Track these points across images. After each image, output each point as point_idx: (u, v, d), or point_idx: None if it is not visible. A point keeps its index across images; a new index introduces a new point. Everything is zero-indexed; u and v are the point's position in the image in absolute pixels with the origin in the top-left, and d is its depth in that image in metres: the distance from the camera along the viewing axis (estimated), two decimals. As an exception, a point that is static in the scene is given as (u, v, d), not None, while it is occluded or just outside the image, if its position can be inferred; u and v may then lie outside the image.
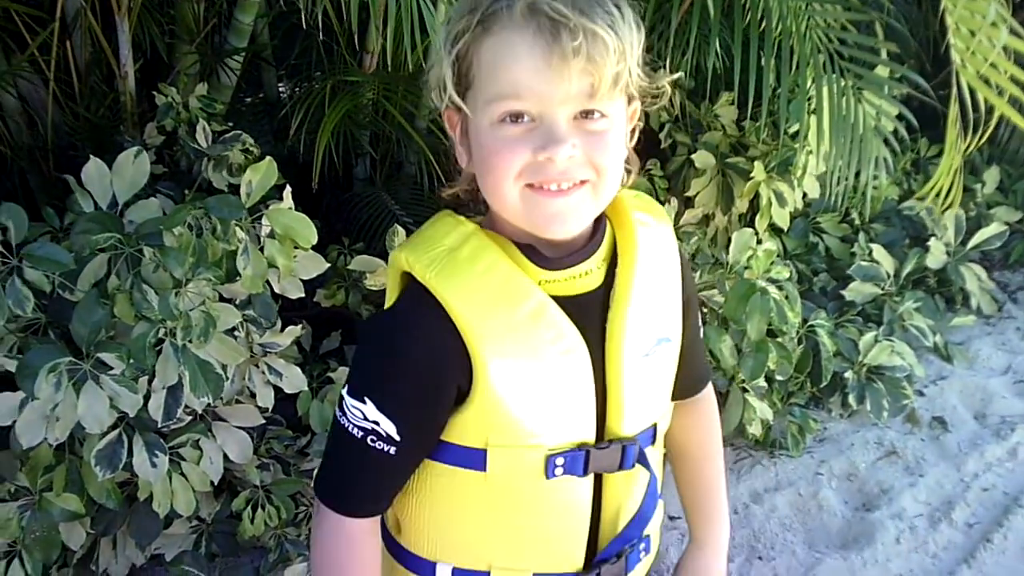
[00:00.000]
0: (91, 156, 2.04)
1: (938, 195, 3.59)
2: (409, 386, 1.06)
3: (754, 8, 2.25)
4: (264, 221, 2.17)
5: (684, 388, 1.30)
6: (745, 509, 2.84)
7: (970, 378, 3.49)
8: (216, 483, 2.24)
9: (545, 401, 1.06)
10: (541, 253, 1.07)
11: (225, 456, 2.24)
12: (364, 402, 1.07)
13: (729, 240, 3.15)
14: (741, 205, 3.20)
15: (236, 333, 2.18)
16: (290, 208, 2.20)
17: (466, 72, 1.02)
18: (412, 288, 1.07)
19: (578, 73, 0.96)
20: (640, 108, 1.10)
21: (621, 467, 1.12)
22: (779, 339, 2.78)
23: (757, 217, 3.17)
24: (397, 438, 1.06)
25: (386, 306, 1.14)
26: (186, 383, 2.00)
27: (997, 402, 3.37)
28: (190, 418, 2.21)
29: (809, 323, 3.00)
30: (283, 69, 3.42)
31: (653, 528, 1.24)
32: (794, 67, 2.51)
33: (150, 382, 2.07)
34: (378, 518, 1.15)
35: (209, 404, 2.17)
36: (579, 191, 1.02)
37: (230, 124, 2.72)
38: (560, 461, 1.08)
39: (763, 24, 2.32)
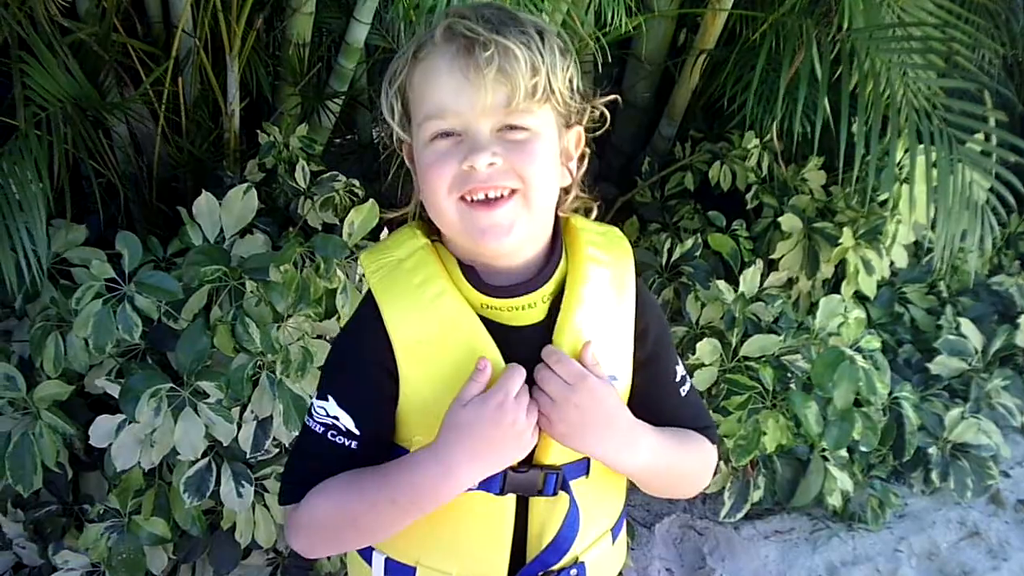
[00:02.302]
0: (202, 190, 2.11)
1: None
2: (360, 384, 1.14)
3: (860, 72, 2.25)
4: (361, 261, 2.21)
5: None
6: (821, 581, 2.77)
7: (1058, 461, 3.38)
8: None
9: None
10: (480, 277, 1.10)
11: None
12: (327, 399, 1.15)
13: (812, 305, 3.12)
14: (826, 270, 3.16)
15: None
16: (387, 250, 2.24)
17: (406, 103, 1.09)
18: (370, 293, 1.14)
19: (492, 84, 1.02)
20: (583, 133, 1.16)
21: (542, 492, 1.14)
22: (865, 409, 2.73)
23: (843, 284, 3.12)
24: (356, 432, 1.13)
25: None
26: (279, 416, 2.03)
27: (1086, 488, 3.25)
28: (276, 450, 2.24)
29: (894, 395, 2.93)
30: (379, 112, 3.50)
31: (593, 558, 1.22)
32: (901, 134, 2.50)
33: (241, 413, 2.11)
34: None
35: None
36: (509, 203, 1.06)
37: (323, 165, 2.79)
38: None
39: (870, 89, 2.32)
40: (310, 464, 1.17)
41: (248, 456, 2.12)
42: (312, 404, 1.18)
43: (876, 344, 2.76)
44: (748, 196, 3.29)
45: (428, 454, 1.08)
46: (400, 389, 1.12)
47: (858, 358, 2.65)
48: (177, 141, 2.90)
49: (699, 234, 3.19)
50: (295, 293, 1.94)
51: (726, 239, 3.19)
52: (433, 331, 1.11)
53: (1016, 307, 3.59)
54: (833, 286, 3.21)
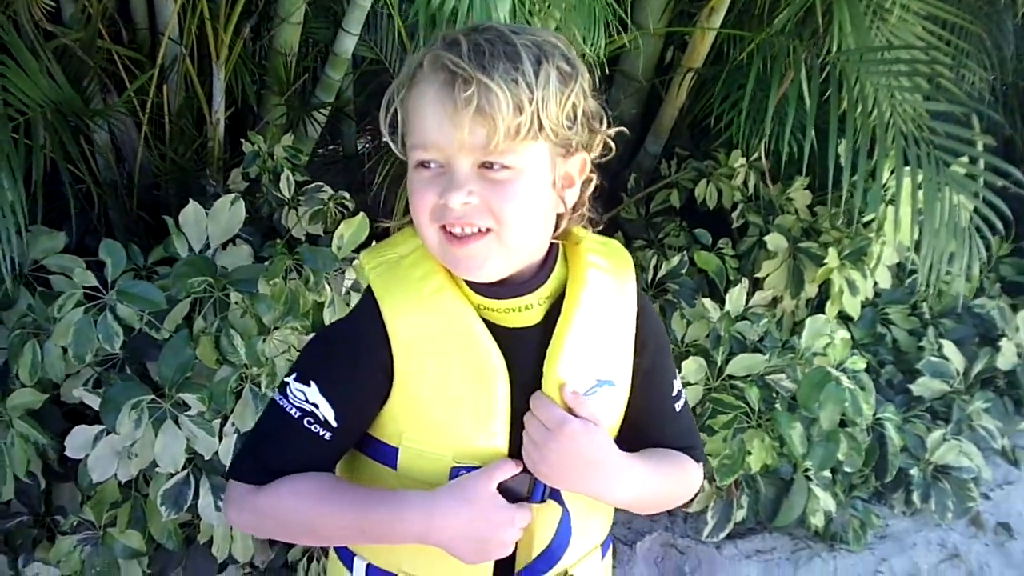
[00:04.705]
0: (188, 199, 2.08)
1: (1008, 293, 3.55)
2: (350, 379, 1.11)
3: (848, 93, 2.26)
4: (348, 274, 2.18)
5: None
6: (802, 603, 2.76)
7: (1037, 484, 3.39)
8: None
9: (454, 414, 1.11)
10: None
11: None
12: (309, 385, 1.12)
13: (795, 324, 3.12)
14: (811, 290, 3.17)
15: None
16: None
17: (402, 121, 1.08)
18: (369, 290, 1.13)
19: (471, 123, 1.00)
20: (588, 159, 1.12)
21: (530, 498, 1.12)
22: (850, 430, 2.73)
23: (827, 304, 3.12)
24: (334, 424, 1.11)
25: None
26: (261, 430, 2.00)
27: (1065, 511, 3.26)
28: (257, 465, 2.21)
29: (877, 416, 2.93)
30: (364, 124, 3.49)
31: (583, 572, 1.21)
32: (887, 156, 2.51)
33: (222, 425, 2.07)
34: None
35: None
36: (482, 240, 1.05)
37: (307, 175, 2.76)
38: (464, 474, 1.11)
39: (858, 111, 2.33)
40: (280, 449, 1.15)
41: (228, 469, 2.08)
42: (288, 383, 1.14)
43: (861, 365, 2.76)
44: (734, 215, 3.30)
45: (419, 510, 1.08)
46: (394, 386, 1.11)
47: (844, 379, 2.65)
48: (160, 149, 2.87)
49: (685, 252, 3.18)
50: (283, 306, 1.91)
51: (712, 257, 3.18)
52: (433, 325, 1.10)
53: (997, 330, 3.61)
54: (817, 306, 3.21)
